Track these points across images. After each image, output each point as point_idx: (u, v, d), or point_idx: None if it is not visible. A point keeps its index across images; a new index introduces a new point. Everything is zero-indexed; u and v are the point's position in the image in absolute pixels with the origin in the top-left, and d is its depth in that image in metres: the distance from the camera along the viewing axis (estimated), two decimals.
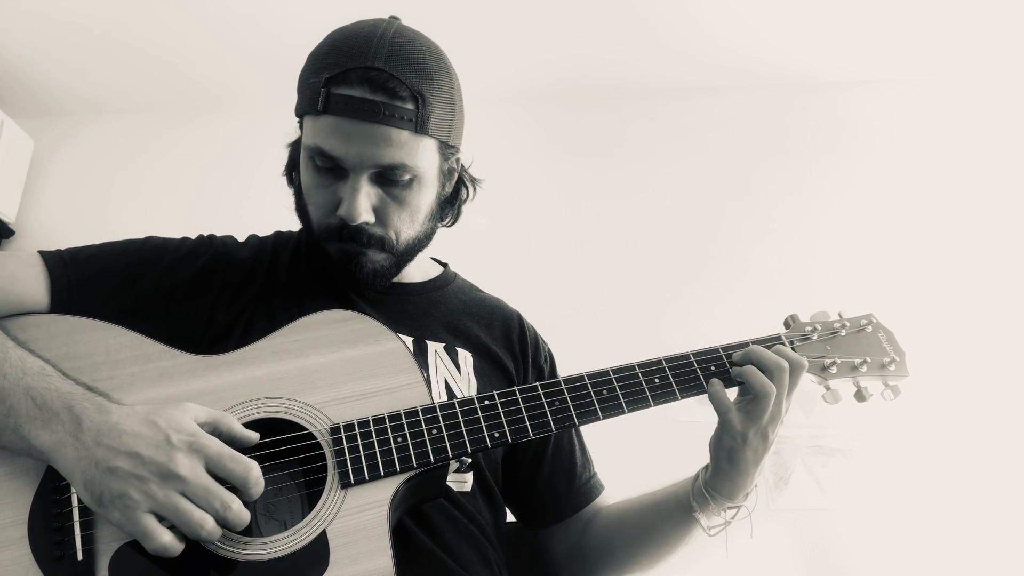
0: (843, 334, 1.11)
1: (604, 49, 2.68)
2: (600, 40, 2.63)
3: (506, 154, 2.78)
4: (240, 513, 0.81)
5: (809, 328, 1.11)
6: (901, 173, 2.71)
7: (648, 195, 2.77)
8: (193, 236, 1.16)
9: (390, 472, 0.91)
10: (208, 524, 0.79)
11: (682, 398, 1.01)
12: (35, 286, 1.00)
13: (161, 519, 0.79)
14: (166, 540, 0.78)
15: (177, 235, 1.17)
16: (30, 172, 2.89)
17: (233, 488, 0.83)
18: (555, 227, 2.73)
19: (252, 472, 0.82)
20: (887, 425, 2.39)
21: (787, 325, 1.13)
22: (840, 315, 1.14)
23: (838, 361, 1.07)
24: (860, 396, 1.09)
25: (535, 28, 2.57)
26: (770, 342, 1.06)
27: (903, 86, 2.82)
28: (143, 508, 0.78)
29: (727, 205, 2.73)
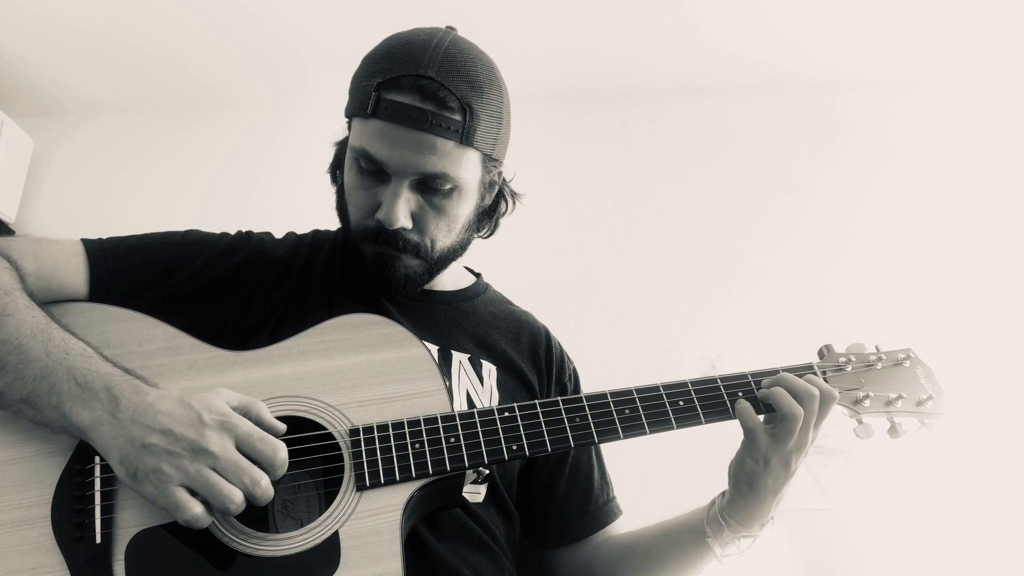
0: (879, 367, 1.07)
1: (603, 51, 2.69)
2: (599, 41, 2.64)
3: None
4: (267, 489, 0.84)
5: (843, 359, 1.07)
6: (900, 173, 2.70)
7: (647, 195, 2.78)
8: (231, 231, 1.19)
9: (406, 477, 0.91)
10: (237, 498, 0.82)
11: (707, 422, 0.99)
12: (76, 274, 1.03)
13: (193, 494, 0.81)
14: (198, 512, 0.81)
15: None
16: (30, 172, 2.91)
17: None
18: (554, 227, 2.74)
19: (279, 453, 0.85)
20: (886, 425, 2.35)
21: (821, 355, 1.10)
22: (877, 348, 1.11)
23: (872, 395, 1.04)
24: (894, 432, 1.06)
25: (534, 29, 2.58)
26: (802, 371, 1.04)
27: (902, 86, 2.81)
28: (175, 482, 0.81)
29: (727, 205, 2.74)
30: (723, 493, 1.02)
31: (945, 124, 2.75)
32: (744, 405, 0.98)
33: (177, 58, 2.76)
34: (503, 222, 1.25)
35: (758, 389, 1.01)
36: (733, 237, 2.68)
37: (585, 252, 2.71)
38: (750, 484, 0.97)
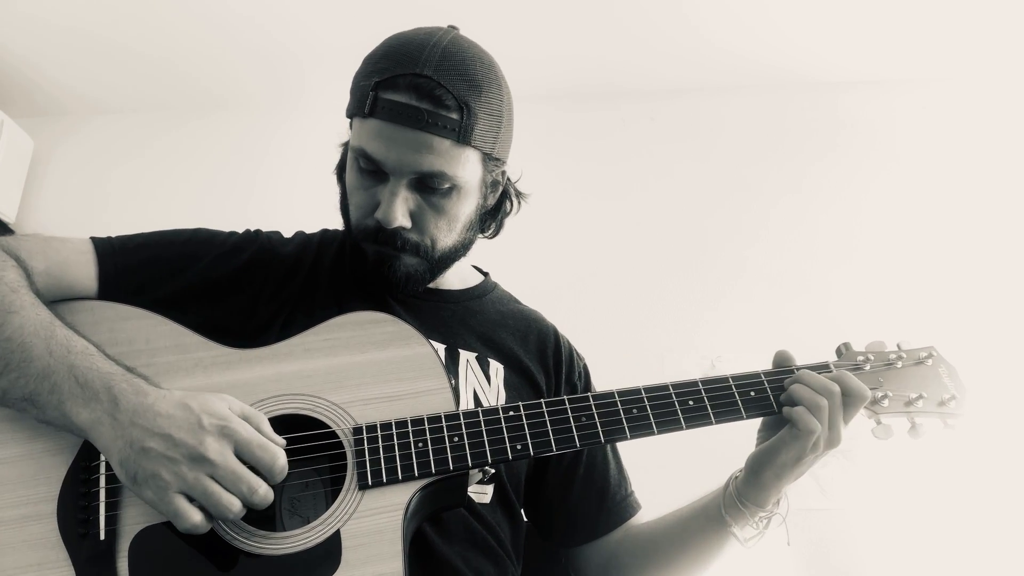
0: (899, 366, 1.04)
1: (603, 50, 2.67)
2: (599, 41, 2.62)
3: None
4: (266, 497, 0.83)
5: (861, 358, 1.04)
6: (900, 173, 2.67)
7: (648, 195, 2.75)
8: (239, 230, 1.19)
9: (408, 477, 0.90)
10: (235, 507, 0.82)
11: (717, 423, 0.97)
12: (85, 273, 1.04)
13: (191, 499, 0.81)
14: (196, 520, 0.81)
15: None
16: (30, 172, 2.91)
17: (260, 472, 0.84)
18: (554, 227, 2.69)
19: (278, 461, 0.84)
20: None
21: (839, 353, 1.07)
22: (899, 346, 1.08)
23: (891, 395, 1.01)
24: (914, 432, 1.03)
25: (534, 29, 2.56)
26: (818, 370, 1.01)
27: (903, 86, 2.78)
28: (174, 489, 0.80)
29: (727, 205, 2.71)
30: (735, 476, 1.01)
31: (946, 124, 2.72)
32: (799, 409, 0.95)
33: (176, 59, 2.77)
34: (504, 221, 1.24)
35: (770, 387, 0.98)
36: (733, 237, 2.66)
37: (585, 252, 2.69)
38: (778, 475, 0.97)
